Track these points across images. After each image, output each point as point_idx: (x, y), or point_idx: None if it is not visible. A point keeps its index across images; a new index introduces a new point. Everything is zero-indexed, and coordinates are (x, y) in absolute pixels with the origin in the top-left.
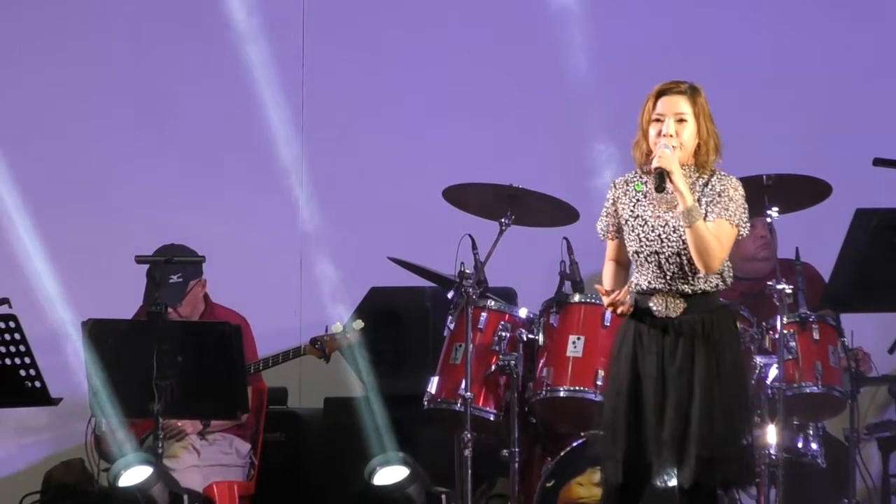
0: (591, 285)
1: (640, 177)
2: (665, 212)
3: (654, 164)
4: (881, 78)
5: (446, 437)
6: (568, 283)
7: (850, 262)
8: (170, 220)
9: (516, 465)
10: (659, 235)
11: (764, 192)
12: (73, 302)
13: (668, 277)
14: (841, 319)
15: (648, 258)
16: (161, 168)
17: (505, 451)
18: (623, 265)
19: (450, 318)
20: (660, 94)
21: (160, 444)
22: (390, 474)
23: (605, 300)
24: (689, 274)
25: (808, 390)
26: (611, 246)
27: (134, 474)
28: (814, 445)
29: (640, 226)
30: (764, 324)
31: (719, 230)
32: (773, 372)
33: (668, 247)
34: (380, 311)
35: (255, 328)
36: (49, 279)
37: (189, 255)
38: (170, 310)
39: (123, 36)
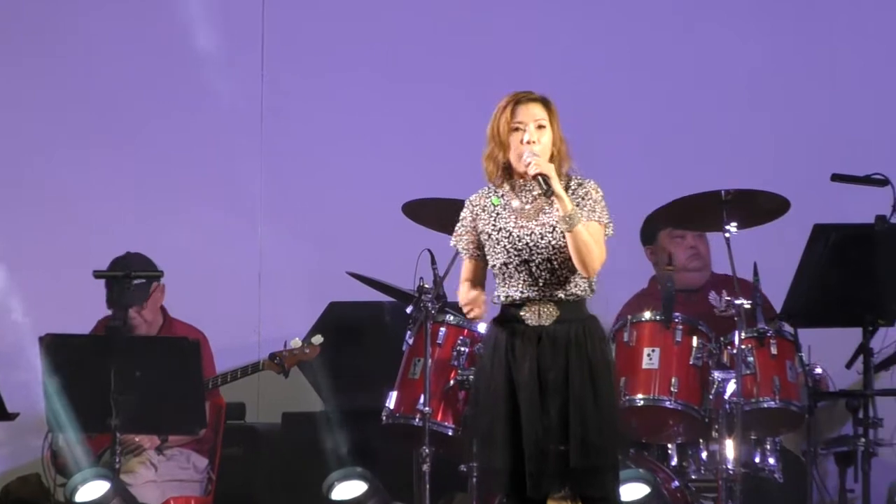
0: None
1: (495, 191)
2: (528, 221)
3: (532, 171)
4: (840, 93)
5: (405, 452)
6: None
7: (808, 277)
8: (128, 234)
9: (475, 479)
10: (527, 244)
11: (722, 206)
12: (30, 316)
13: (540, 285)
14: (798, 334)
15: (518, 267)
16: (120, 183)
17: (463, 465)
18: (479, 284)
19: (409, 332)
20: (516, 102)
21: (117, 459)
22: (349, 489)
23: (465, 298)
24: (561, 278)
25: (765, 405)
26: (468, 266)
27: (91, 489)
28: (771, 460)
29: (506, 238)
30: (722, 339)
31: (593, 231)
32: (730, 387)
33: (538, 254)
34: (339, 325)
35: (214, 343)
36: (6, 293)
37: (147, 263)
38: (133, 313)
39: (85, 51)
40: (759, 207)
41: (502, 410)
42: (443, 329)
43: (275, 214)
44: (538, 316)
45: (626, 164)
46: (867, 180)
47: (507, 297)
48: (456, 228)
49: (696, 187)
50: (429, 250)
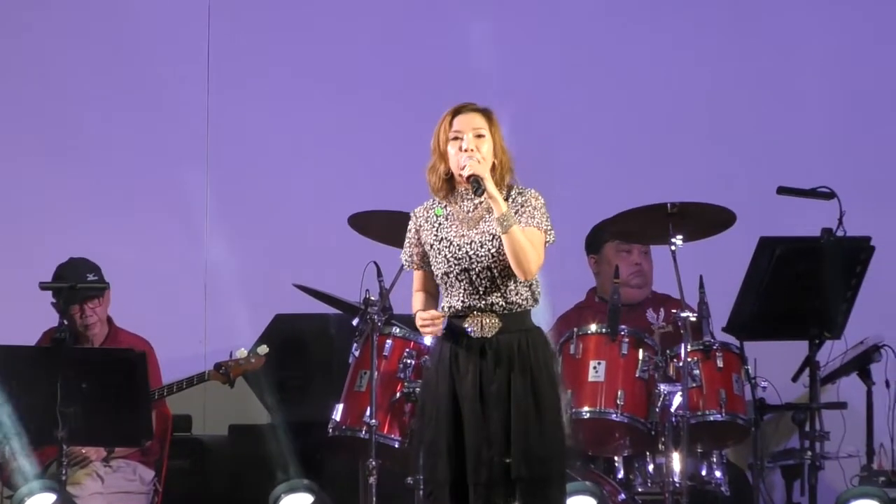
0: None
1: (439, 202)
2: (469, 229)
3: (466, 172)
4: (786, 106)
5: (351, 465)
6: None
7: (754, 290)
8: (73, 244)
9: (421, 492)
10: (466, 253)
11: (668, 219)
12: None
13: (480, 293)
14: (744, 347)
15: (459, 276)
16: (63, 192)
17: (409, 478)
18: (432, 294)
19: (355, 345)
20: (455, 113)
21: (64, 471)
22: (295, 501)
23: (426, 323)
24: (502, 287)
25: (712, 418)
26: (417, 276)
27: (38, 501)
28: (717, 473)
29: (446, 247)
30: (668, 351)
31: (531, 236)
32: (677, 400)
33: (478, 262)
34: (285, 337)
35: (160, 355)
36: None
37: (92, 269)
38: (89, 311)
39: (29, 53)
40: (704, 220)
41: (445, 423)
42: (389, 341)
43: (221, 225)
44: (481, 328)
45: (575, 175)
46: (813, 193)
47: (450, 307)
48: (404, 242)
49: (643, 199)
50: (375, 262)
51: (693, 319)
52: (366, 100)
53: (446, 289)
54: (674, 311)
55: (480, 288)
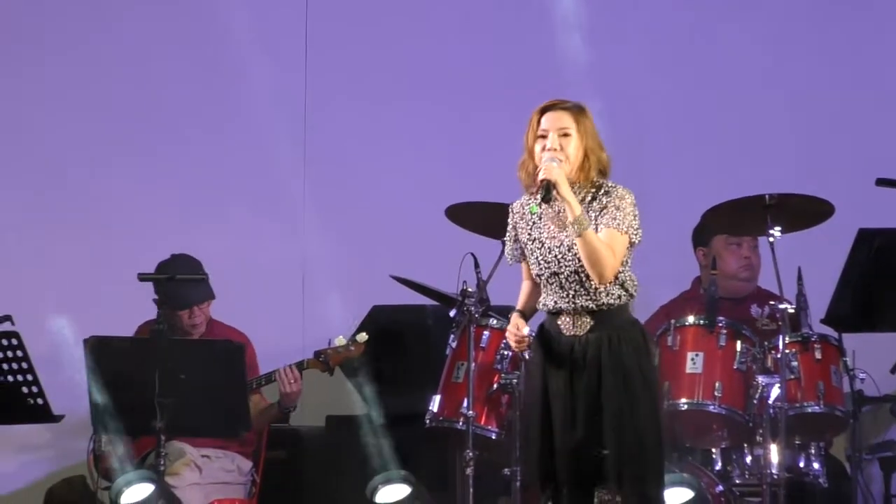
0: None
1: (534, 199)
2: (559, 232)
3: (540, 176)
4: (886, 96)
5: (448, 456)
6: None
7: (852, 282)
8: (171, 237)
9: (518, 483)
10: (556, 256)
11: (766, 211)
12: (75, 318)
13: (570, 296)
14: (843, 339)
15: (549, 280)
16: (163, 187)
17: (506, 469)
18: (538, 284)
19: (452, 336)
20: (543, 111)
21: (162, 462)
22: (392, 492)
23: (512, 340)
24: (591, 290)
25: (809, 410)
26: (524, 267)
27: (135, 492)
28: (816, 465)
29: (538, 248)
30: (766, 343)
31: (610, 239)
32: (775, 391)
33: (566, 266)
34: (382, 329)
35: (258, 348)
36: (51, 295)
37: (194, 265)
38: (197, 311)
39: (128, 53)
40: (803, 212)
41: (537, 419)
42: (486, 333)
43: (318, 217)
44: (573, 325)
45: (670, 169)
46: None
47: (544, 304)
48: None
49: (740, 191)
50: (472, 254)
51: (791, 311)
52: (461, 90)
53: (542, 286)
54: (771, 302)
55: (570, 291)
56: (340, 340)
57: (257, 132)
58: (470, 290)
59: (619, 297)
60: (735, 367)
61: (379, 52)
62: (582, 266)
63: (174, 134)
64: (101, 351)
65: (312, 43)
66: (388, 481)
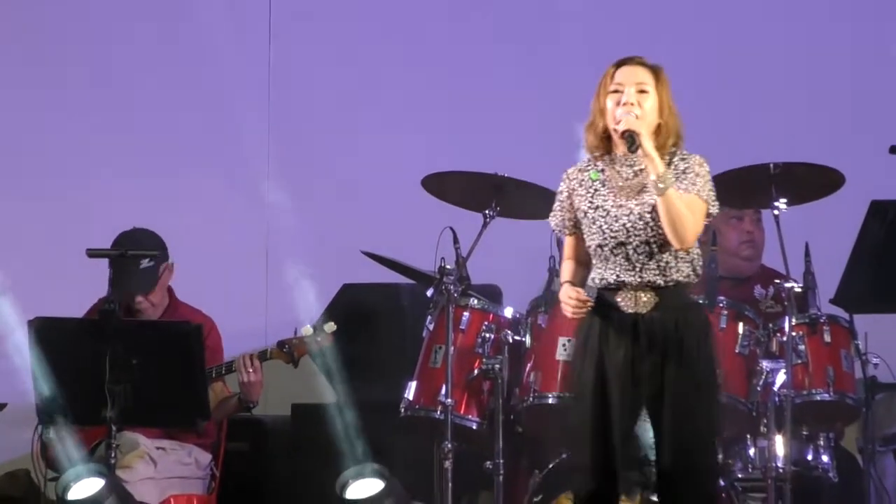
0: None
1: (595, 164)
2: (628, 199)
3: (622, 126)
4: None
5: (425, 448)
6: (557, 280)
7: (865, 258)
8: (129, 212)
9: (500, 477)
10: (624, 225)
11: (771, 181)
12: (20, 298)
13: (637, 269)
14: (854, 320)
15: (615, 250)
16: (119, 159)
17: (488, 462)
18: (582, 264)
19: (429, 317)
20: (619, 65)
21: (113, 454)
22: (364, 488)
23: (571, 304)
24: (661, 264)
25: (818, 397)
26: (568, 242)
27: (84, 487)
28: (825, 457)
29: (602, 217)
30: (770, 325)
31: (690, 203)
32: (780, 378)
33: (636, 236)
34: (353, 309)
35: (219, 328)
36: None
37: (154, 239)
38: (139, 298)
39: (81, 21)
40: (810, 182)
41: (591, 404)
42: (466, 314)
43: (283, 188)
44: (635, 303)
45: None
46: None
47: (602, 279)
48: (554, 205)
49: (743, 159)
50: (451, 228)
51: (798, 290)
52: (440, 55)
53: (600, 261)
54: (776, 281)
55: (637, 264)
56: (307, 330)
57: (218, 96)
58: (448, 267)
59: (688, 275)
60: (737, 351)
61: (347, 14)
62: (654, 236)
63: (130, 100)
64: (47, 333)
65: (277, 6)
66: (359, 475)
